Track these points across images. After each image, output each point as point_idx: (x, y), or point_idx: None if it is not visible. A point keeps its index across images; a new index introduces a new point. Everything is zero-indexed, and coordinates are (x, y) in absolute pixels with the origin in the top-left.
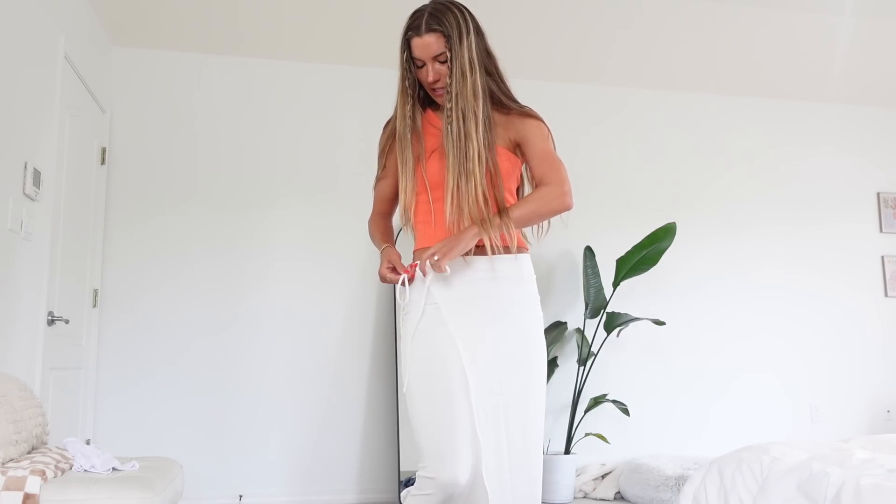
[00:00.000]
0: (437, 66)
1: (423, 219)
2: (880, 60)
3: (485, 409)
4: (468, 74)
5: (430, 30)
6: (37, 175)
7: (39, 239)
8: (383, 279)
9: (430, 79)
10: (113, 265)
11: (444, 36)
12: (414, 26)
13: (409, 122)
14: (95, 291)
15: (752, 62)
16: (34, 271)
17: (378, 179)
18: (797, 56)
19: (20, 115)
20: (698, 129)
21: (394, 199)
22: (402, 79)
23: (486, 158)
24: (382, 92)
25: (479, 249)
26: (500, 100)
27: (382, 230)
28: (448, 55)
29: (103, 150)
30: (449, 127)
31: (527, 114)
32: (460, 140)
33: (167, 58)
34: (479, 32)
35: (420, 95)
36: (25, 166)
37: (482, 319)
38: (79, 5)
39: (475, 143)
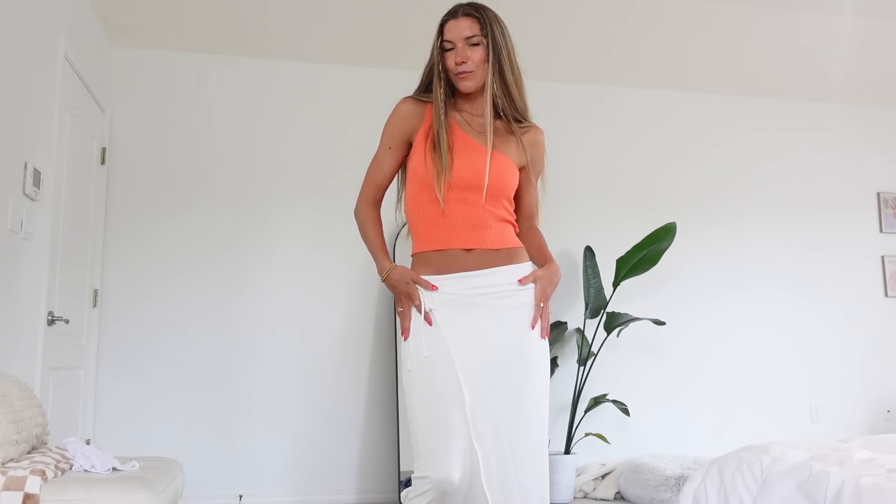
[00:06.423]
0: (467, 49)
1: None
2: (880, 60)
3: (483, 416)
4: (511, 56)
5: (465, 14)
6: (37, 175)
7: (39, 239)
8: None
9: (458, 59)
10: (113, 265)
11: (479, 22)
12: (450, 12)
13: (442, 107)
14: (95, 291)
15: (752, 62)
16: (34, 271)
17: (377, 161)
18: (798, 56)
19: (20, 115)
20: (698, 129)
21: (386, 187)
22: (436, 64)
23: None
24: (385, 93)
25: (478, 260)
26: (521, 113)
27: (378, 230)
28: (484, 41)
29: (103, 150)
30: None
31: (539, 137)
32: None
33: (167, 58)
34: (512, 45)
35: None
36: (25, 166)
37: (480, 326)
38: (79, 5)
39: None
